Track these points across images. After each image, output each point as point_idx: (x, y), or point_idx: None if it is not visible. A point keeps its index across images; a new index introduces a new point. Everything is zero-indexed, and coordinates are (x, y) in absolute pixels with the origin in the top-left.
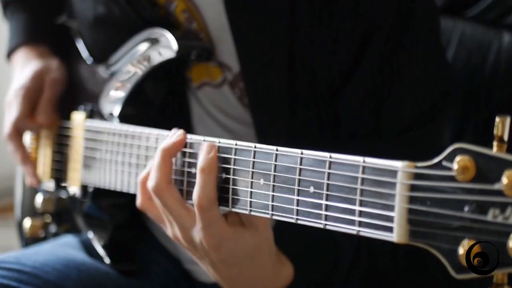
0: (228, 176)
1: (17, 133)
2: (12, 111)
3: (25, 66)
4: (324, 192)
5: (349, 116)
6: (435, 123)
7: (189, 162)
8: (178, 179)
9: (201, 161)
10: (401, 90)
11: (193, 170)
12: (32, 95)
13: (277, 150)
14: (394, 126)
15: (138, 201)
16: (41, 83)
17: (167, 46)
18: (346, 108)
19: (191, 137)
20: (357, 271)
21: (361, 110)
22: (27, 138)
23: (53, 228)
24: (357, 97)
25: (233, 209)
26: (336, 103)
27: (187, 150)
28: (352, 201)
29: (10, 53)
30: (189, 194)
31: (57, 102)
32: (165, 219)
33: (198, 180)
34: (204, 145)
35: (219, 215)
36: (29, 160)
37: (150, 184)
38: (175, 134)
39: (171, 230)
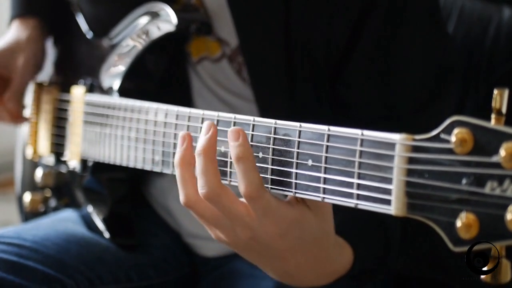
0: (227, 149)
1: None
2: None
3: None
4: (323, 165)
5: (355, 97)
6: (442, 101)
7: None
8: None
9: (234, 150)
10: (405, 69)
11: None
12: None
13: (275, 123)
14: (404, 106)
15: (184, 202)
16: (9, 61)
17: (167, 20)
18: (350, 89)
19: (189, 111)
20: (405, 255)
21: (366, 91)
22: (28, 112)
23: (53, 203)
24: (360, 77)
25: (231, 183)
26: (339, 84)
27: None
28: (350, 174)
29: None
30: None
31: (26, 89)
32: (218, 223)
33: (238, 170)
34: (232, 132)
35: (274, 199)
36: None
37: (203, 191)
38: (206, 130)
39: (225, 233)
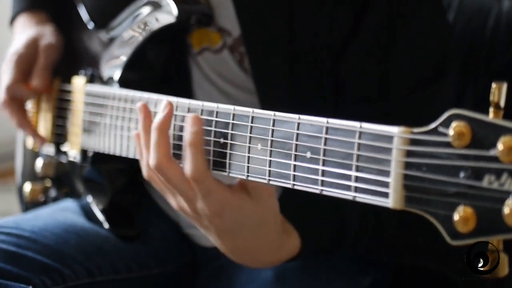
0: (226, 141)
1: (11, 99)
2: (5, 78)
3: (21, 33)
4: (321, 157)
5: (353, 79)
6: (441, 84)
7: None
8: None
9: (187, 135)
10: (405, 51)
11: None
12: (25, 62)
13: (274, 115)
14: (401, 87)
15: (145, 174)
16: (35, 50)
17: (168, 10)
18: (350, 71)
19: (189, 103)
20: (364, 238)
21: (366, 72)
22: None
23: (53, 193)
24: (360, 60)
25: (230, 174)
26: (339, 67)
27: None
28: (348, 167)
29: (12, 21)
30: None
31: (52, 68)
32: (169, 192)
33: (187, 154)
34: (188, 119)
35: (216, 183)
36: (26, 123)
37: (152, 163)
38: (163, 108)
39: (175, 202)
